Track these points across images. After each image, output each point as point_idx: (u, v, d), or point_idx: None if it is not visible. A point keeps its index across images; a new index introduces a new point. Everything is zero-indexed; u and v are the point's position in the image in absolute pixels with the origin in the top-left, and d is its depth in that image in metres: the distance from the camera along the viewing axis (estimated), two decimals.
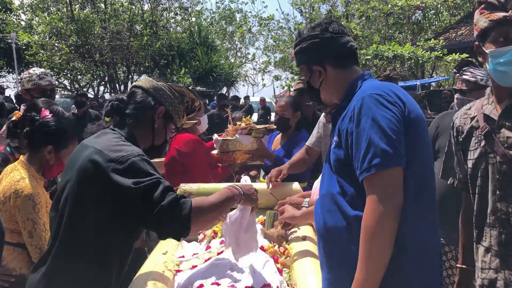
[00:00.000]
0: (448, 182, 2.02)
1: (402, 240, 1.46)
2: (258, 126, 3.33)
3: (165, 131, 1.90)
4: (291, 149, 3.51)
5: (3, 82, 21.39)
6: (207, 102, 15.38)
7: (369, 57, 7.80)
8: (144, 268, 2.06)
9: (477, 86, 2.78)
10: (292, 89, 4.73)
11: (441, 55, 7.83)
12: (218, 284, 1.87)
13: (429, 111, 12.01)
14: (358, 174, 1.48)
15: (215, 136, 3.37)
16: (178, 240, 1.69)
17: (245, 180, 2.17)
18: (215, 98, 12.76)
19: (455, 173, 1.95)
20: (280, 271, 2.05)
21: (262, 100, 15.35)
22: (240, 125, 3.35)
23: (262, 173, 3.69)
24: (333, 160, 1.63)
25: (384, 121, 1.46)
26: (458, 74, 2.93)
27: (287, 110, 3.58)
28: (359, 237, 1.47)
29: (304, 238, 2.34)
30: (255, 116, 14.76)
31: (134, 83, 1.93)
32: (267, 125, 3.53)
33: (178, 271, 2.09)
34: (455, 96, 2.92)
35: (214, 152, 3.43)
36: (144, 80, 1.92)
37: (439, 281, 1.59)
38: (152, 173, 1.60)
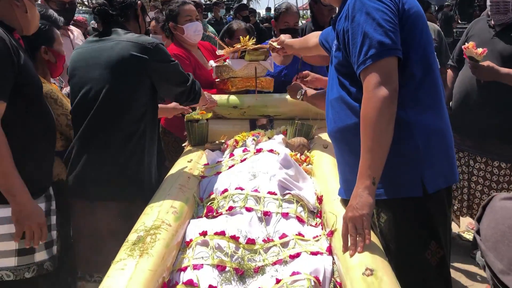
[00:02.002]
0: None
1: (410, 126, 1.50)
2: (253, 46, 2.81)
3: (144, 22, 2.24)
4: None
5: None
6: (227, 16, 14.85)
7: None
8: (171, 175, 2.14)
9: None
10: None
11: None
12: (241, 189, 1.94)
13: (459, 21, 11.43)
14: (356, 69, 1.50)
15: (211, 61, 3.07)
16: (191, 104, 2.31)
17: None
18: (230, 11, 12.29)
19: None
20: None
21: None
22: (235, 46, 2.90)
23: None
24: (335, 63, 1.66)
25: (378, 13, 1.47)
26: None
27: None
28: None
29: (326, 146, 2.37)
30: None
31: None
32: (262, 44, 2.95)
33: (203, 177, 2.18)
34: (488, 0, 2.75)
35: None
36: None
37: (451, 165, 1.63)
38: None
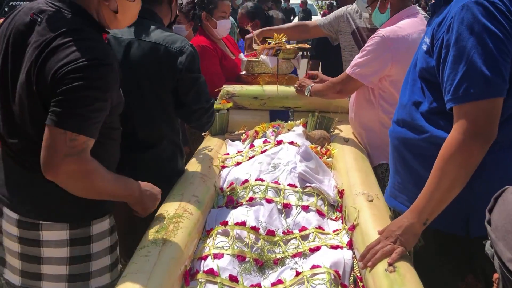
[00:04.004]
0: None
1: (483, 167, 1.31)
2: (289, 46, 2.88)
3: (176, 6, 2.06)
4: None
5: None
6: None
7: None
8: (192, 163, 2.16)
9: None
10: None
11: None
12: (262, 180, 1.95)
13: None
14: (448, 100, 1.29)
15: (241, 55, 3.11)
16: (199, 130, 2.26)
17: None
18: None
19: None
20: None
21: (303, 2, 14.72)
22: (269, 43, 2.93)
23: None
24: (421, 65, 1.44)
25: (491, 38, 1.22)
26: None
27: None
28: (423, 157, 1.42)
29: (346, 140, 2.36)
30: (295, 20, 14.27)
31: None
32: (300, 44, 3.11)
33: (223, 167, 2.18)
34: None
35: (243, 73, 3.11)
36: None
37: None
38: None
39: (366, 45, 2.23)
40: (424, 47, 1.44)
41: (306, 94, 2.54)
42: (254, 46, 3.04)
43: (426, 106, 1.43)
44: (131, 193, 1.52)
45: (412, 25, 2.19)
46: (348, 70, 2.26)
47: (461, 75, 1.25)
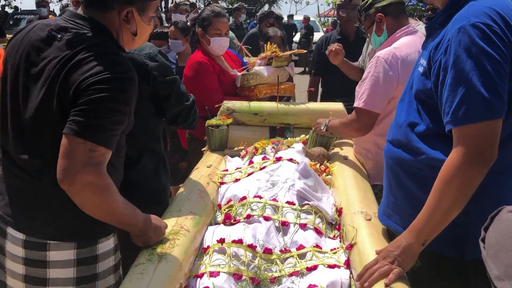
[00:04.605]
0: None
1: (480, 189, 1.30)
2: (281, 54, 2.91)
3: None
4: None
5: None
6: (248, 22, 14.83)
7: None
8: (190, 179, 2.15)
9: None
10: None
11: None
12: (260, 197, 1.94)
13: None
14: (447, 121, 1.29)
15: (235, 71, 3.10)
16: (188, 128, 2.31)
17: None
18: (256, 16, 12.32)
19: None
20: None
21: (306, 19, 14.83)
22: (261, 55, 3.00)
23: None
24: (418, 87, 1.44)
25: (490, 61, 1.22)
26: None
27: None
28: (419, 178, 1.42)
29: (346, 158, 2.35)
30: (297, 37, 14.39)
31: None
32: (294, 50, 3.18)
33: (222, 183, 2.18)
34: None
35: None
36: None
37: None
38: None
39: (366, 72, 2.19)
40: (421, 69, 1.43)
41: (322, 128, 2.44)
42: (246, 58, 3.06)
43: (422, 127, 1.43)
44: (135, 223, 1.48)
45: (410, 44, 2.17)
46: (356, 103, 2.18)
47: (460, 97, 1.25)
